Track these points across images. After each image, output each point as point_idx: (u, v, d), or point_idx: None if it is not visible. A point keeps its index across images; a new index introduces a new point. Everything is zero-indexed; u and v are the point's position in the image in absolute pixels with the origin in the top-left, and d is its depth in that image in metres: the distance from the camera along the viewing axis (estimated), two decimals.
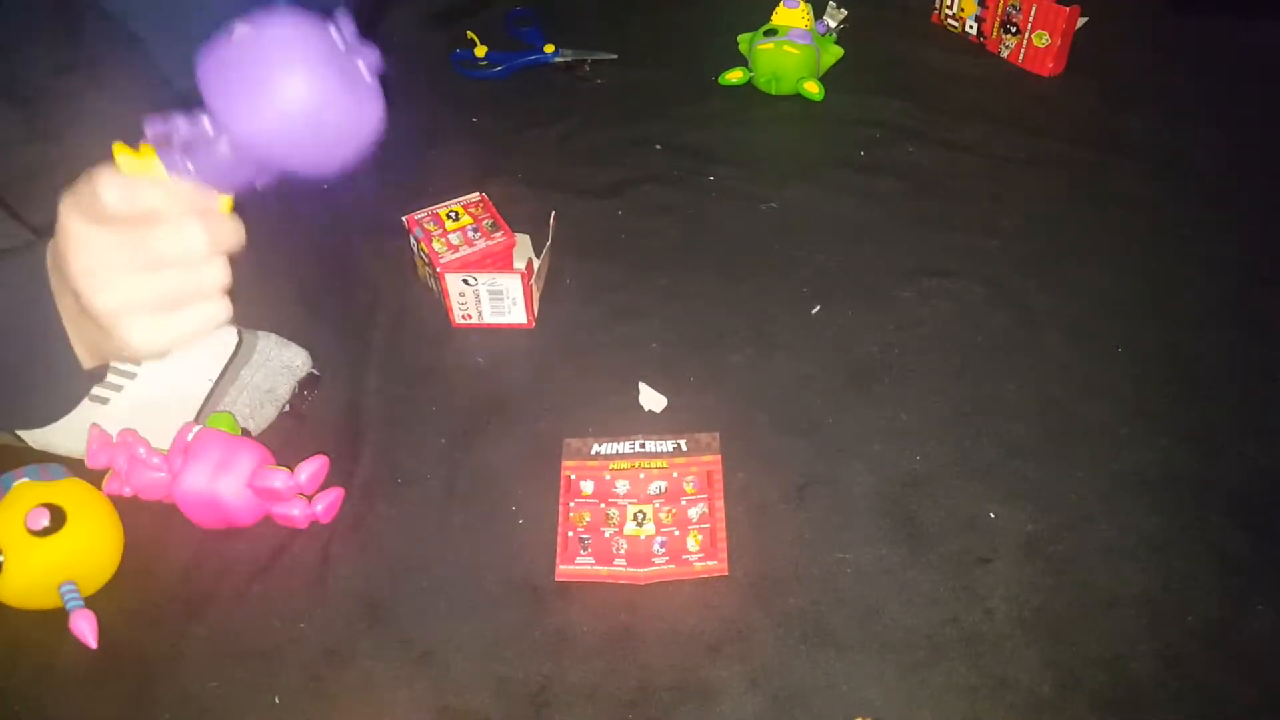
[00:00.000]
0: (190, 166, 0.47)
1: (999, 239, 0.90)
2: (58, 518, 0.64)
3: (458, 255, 0.82)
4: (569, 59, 1.13)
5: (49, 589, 0.64)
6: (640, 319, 0.85)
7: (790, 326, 0.84)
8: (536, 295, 0.84)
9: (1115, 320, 0.83)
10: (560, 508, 0.71)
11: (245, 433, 0.74)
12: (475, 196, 0.88)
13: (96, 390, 0.71)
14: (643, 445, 0.74)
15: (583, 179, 0.98)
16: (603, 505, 0.71)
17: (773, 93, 1.07)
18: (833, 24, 1.13)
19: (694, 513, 0.70)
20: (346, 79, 0.46)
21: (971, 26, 1.13)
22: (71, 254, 0.48)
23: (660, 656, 0.63)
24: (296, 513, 0.69)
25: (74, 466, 0.70)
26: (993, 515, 0.70)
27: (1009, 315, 0.83)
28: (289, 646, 0.65)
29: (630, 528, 0.69)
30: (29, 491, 0.66)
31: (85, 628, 0.64)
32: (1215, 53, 1.11)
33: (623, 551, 0.68)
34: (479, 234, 0.84)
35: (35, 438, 0.72)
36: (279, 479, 0.67)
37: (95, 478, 0.70)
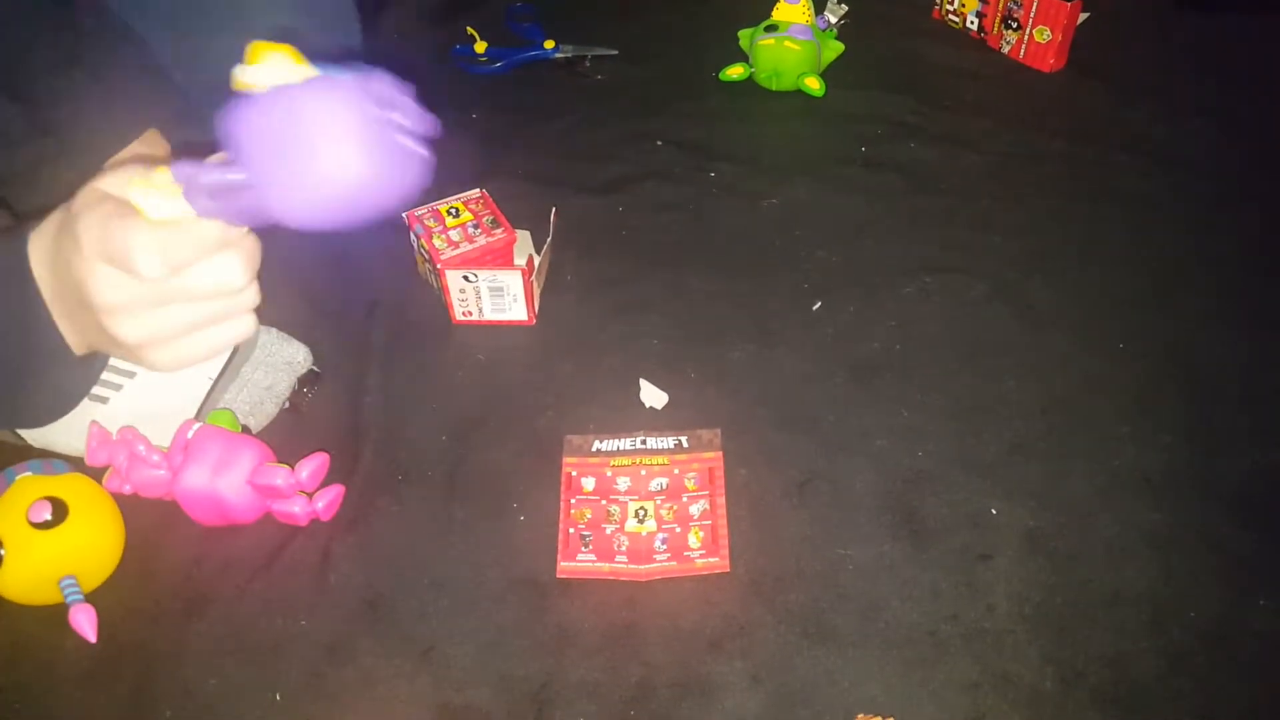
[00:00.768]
0: (214, 206, 0.45)
1: (1000, 235, 0.90)
2: (59, 511, 0.64)
3: (458, 252, 0.82)
4: (569, 55, 1.13)
5: (49, 583, 0.64)
6: (641, 315, 0.85)
7: (791, 323, 0.83)
8: (537, 292, 0.84)
9: (1117, 317, 0.83)
10: (561, 504, 0.71)
11: (245, 430, 0.74)
12: (476, 193, 0.88)
13: (96, 389, 0.71)
14: (644, 442, 0.74)
15: (583, 175, 0.98)
16: (604, 502, 0.71)
17: (774, 89, 1.07)
18: (834, 19, 1.13)
19: (695, 509, 0.70)
20: (387, 149, 0.44)
21: (973, 22, 1.13)
22: (95, 292, 0.47)
23: (661, 653, 0.63)
24: (297, 510, 0.69)
25: (74, 463, 0.70)
26: (994, 512, 0.69)
27: (1010, 312, 0.83)
28: (290, 643, 0.65)
29: (631, 524, 0.69)
30: (31, 485, 0.66)
31: (84, 622, 0.63)
32: (1217, 48, 1.11)
33: (624, 548, 0.68)
34: (479, 230, 0.84)
35: (35, 436, 0.72)
36: (280, 476, 0.67)
37: (96, 474, 0.70)
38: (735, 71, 1.08)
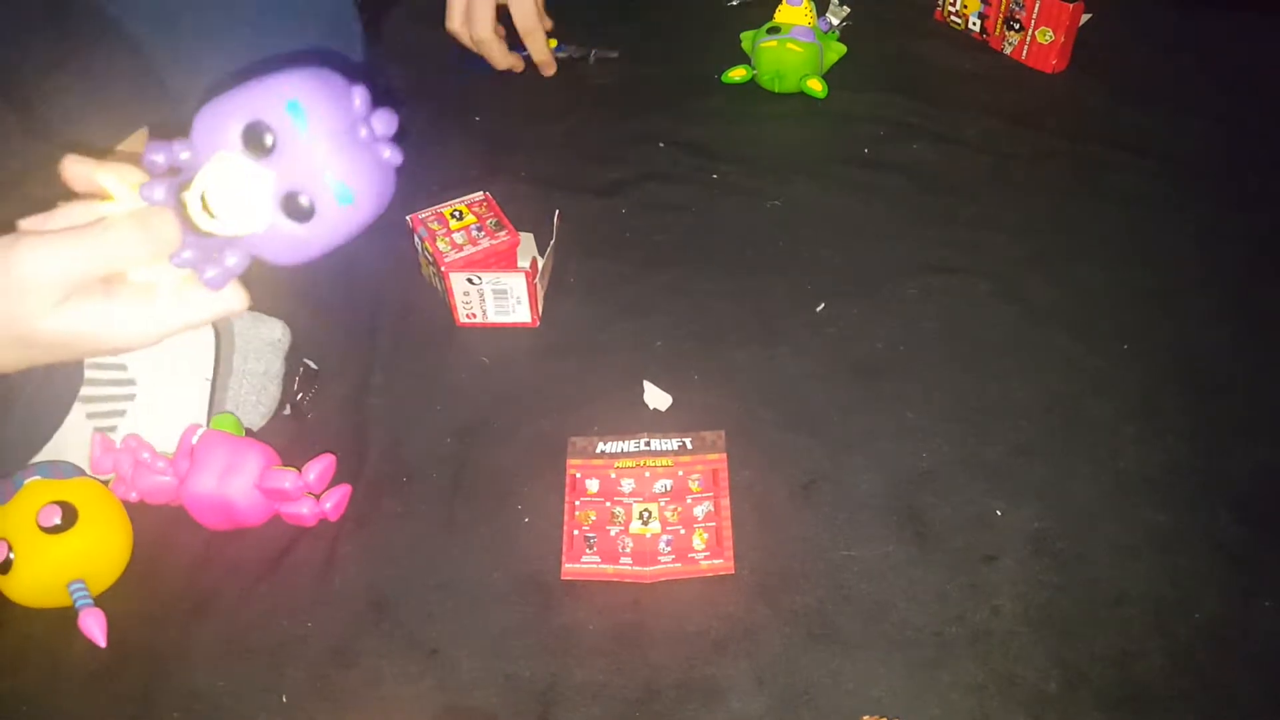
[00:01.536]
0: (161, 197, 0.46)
1: (1004, 236, 0.90)
2: (69, 515, 0.65)
3: (462, 254, 0.82)
4: (571, 55, 1.13)
5: (58, 587, 0.65)
6: (645, 317, 0.85)
7: (795, 324, 0.83)
8: (541, 294, 0.84)
9: (1121, 317, 0.83)
10: (566, 506, 0.71)
11: (249, 433, 0.74)
12: (479, 195, 0.88)
13: (102, 418, 0.71)
14: (648, 444, 0.74)
15: (586, 177, 0.98)
16: (608, 504, 0.71)
17: (776, 90, 1.07)
18: (835, 21, 1.13)
19: (699, 511, 0.70)
20: (365, 163, 0.45)
21: (975, 23, 1.13)
22: (93, 335, 0.47)
23: (666, 655, 0.63)
24: (305, 511, 0.69)
25: (82, 468, 0.70)
26: (999, 513, 0.69)
27: (1014, 312, 0.83)
28: (296, 645, 0.65)
29: (636, 526, 0.69)
30: (40, 489, 0.66)
31: (94, 626, 0.64)
32: (1220, 49, 1.10)
33: (628, 550, 0.68)
34: (483, 233, 0.84)
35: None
36: (288, 479, 0.67)
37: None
38: (738, 73, 1.08)
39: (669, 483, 0.71)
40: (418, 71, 1.11)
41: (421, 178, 0.95)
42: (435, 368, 0.82)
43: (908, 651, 0.63)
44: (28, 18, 0.66)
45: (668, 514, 0.70)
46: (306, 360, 0.80)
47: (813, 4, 1.07)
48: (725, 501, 0.70)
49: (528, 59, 1.08)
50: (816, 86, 1.05)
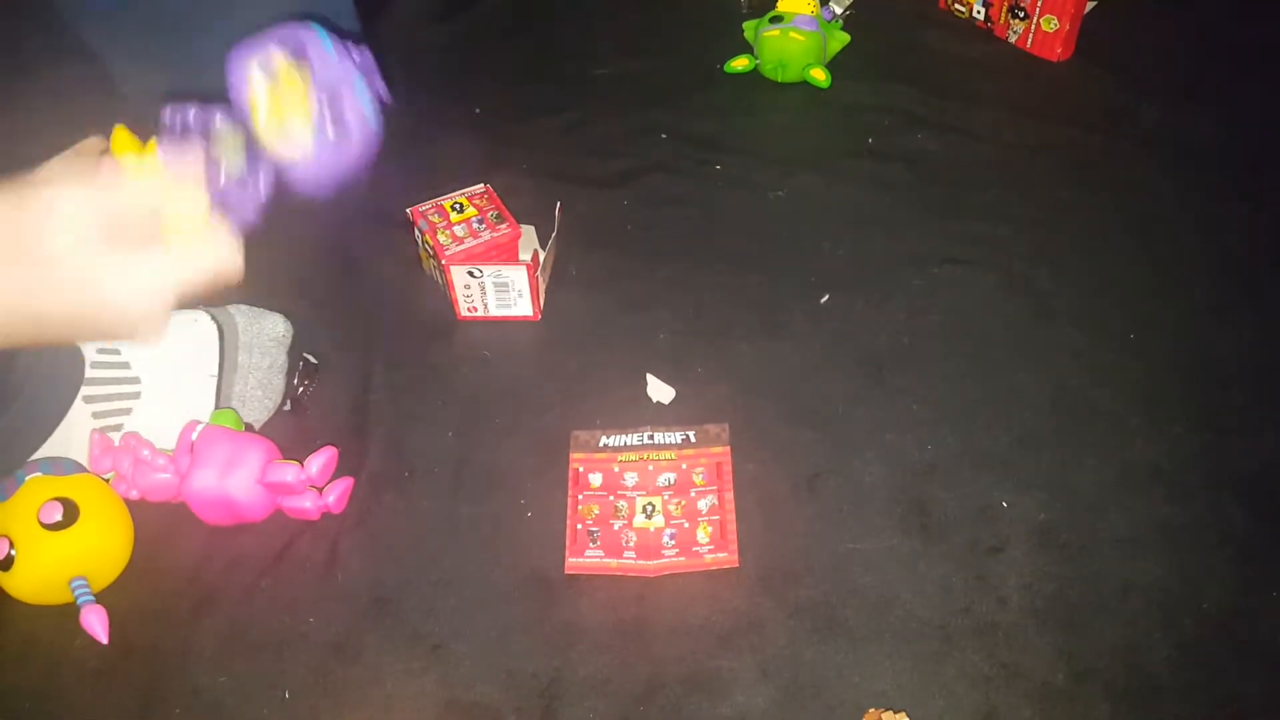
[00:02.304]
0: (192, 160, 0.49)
1: (1009, 226, 0.90)
2: (70, 512, 0.64)
3: (463, 247, 0.82)
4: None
5: (60, 583, 0.65)
6: (647, 310, 0.84)
7: (799, 316, 0.83)
8: (542, 287, 0.83)
9: (1126, 308, 0.82)
10: (569, 500, 0.71)
11: (249, 428, 0.74)
12: (480, 188, 0.87)
13: (108, 418, 0.71)
14: (651, 437, 0.73)
15: (588, 169, 0.98)
16: (611, 498, 0.70)
17: (779, 80, 1.06)
18: (839, 10, 1.12)
19: (703, 504, 0.69)
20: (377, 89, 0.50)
21: (979, 12, 1.12)
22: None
23: (670, 649, 0.63)
24: (309, 504, 0.69)
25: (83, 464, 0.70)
26: (1005, 505, 0.69)
27: (1019, 303, 0.83)
28: (298, 641, 0.65)
29: (639, 520, 0.69)
30: (42, 486, 0.66)
31: (96, 623, 0.64)
32: (1225, 38, 1.10)
33: (632, 544, 0.68)
34: (484, 226, 0.84)
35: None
36: (291, 473, 0.67)
37: None
38: (740, 63, 1.08)
39: (672, 476, 0.71)
40: (418, 64, 1.10)
41: (422, 170, 0.95)
42: (436, 362, 0.81)
43: (913, 644, 0.62)
44: None
45: (671, 508, 0.69)
46: (306, 354, 0.79)
47: None
48: (729, 495, 0.70)
49: None
50: (820, 76, 1.04)
